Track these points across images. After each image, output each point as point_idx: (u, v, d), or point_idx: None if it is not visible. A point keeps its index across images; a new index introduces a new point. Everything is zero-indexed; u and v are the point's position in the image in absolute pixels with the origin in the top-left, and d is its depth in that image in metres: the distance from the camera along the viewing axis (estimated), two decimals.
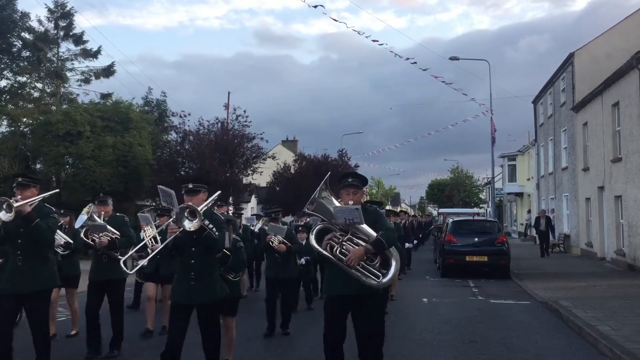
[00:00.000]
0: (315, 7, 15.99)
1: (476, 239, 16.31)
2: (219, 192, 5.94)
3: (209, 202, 5.45)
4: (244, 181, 27.19)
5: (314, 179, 28.14)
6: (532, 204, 35.41)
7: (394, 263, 4.90)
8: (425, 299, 12.13)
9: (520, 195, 40.54)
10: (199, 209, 4.94)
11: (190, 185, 5.39)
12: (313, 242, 4.94)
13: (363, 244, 4.80)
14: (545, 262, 20.16)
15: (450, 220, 18.82)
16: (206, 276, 5.27)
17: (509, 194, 43.22)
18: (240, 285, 6.69)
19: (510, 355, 7.27)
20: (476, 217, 26.37)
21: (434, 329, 8.94)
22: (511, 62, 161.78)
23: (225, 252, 5.73)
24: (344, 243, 4.84)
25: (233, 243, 6.25)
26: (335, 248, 4.84)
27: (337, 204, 4.97)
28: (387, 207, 33.50)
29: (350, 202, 4.94)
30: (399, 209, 24.47)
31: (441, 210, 49.37)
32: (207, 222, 5.05)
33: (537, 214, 26.55)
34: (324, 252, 4.86)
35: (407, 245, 15.69)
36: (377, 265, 4.84)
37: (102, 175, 23.62)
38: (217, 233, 5.11)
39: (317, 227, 5.03)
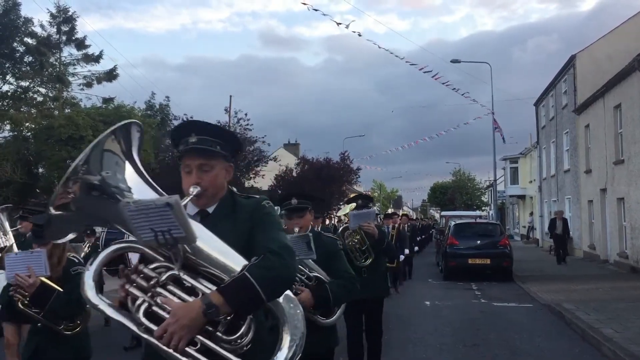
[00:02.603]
0: (317, 10, 15.94)
1: (478, 242, 16.31)
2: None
3: None
4: (246, 184, 27.23)
5: (316, 182, 28.26)
6: (534, 206, 35.37)
7: (287, 337, 2.04)
8: (427, 302, 12.11)
9: (522, 197, 40.51)
10: None
11: None
12: (87, 289, 2.05)
13: (206, 289, 2.01)
14: (547, 265, 20.08)
15: (453, 223, 18.82)
16: None
17: (511, 196, 43.18)
18: (89, 342, 4.11)
19: (513, 358, 7.26)
20: (478, 220, 26.35)
21: (436, 331, 8.94)
22: (517, 64, 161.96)
23: (44, 282, 3.72)
24: (160, 290, 2.02)
25: (66, 266, 3.96)
26: (139, 302, 2.01)
27: (136, 185, 2.16)
28: (389, 211, 33.27)
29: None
30: (400, 212, 24.20)
31: (443, 213, 49.30)
32: None
33: (552, 215, 23.81)
34: (114, 315, 2.03)
35: (402, 256, 13.10)
36: (246, 340, 2.01)
37: None
38: None
39: (107, 252, 2.15)
